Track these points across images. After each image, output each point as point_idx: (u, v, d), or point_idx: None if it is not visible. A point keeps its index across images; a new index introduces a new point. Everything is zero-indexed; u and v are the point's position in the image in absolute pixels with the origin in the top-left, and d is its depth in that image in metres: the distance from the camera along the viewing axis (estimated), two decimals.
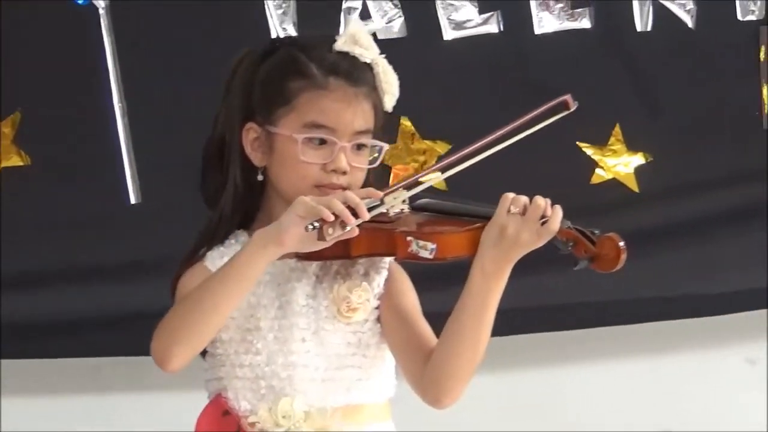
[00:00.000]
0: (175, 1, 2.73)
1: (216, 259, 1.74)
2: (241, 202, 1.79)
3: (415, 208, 1.76)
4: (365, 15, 2.77)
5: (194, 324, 1.70)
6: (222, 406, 1.83)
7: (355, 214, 1.62)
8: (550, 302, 2.73)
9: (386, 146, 1.82)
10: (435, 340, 1.78)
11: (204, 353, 1.79)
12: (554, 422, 2.83)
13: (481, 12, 2.77)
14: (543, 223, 1.64)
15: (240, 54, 1.83)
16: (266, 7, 2.73)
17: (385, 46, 2.67)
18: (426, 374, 1.77)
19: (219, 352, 1.79)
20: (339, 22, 2.74)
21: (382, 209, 1.71)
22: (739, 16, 2.75)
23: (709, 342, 2.71)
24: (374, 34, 2.68)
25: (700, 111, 2.74)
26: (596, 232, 1.65)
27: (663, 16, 2.76)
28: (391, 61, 2.65)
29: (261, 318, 1.79)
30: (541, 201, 1.63)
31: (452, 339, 1.74)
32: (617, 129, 2.67)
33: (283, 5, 2.76)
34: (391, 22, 2.76)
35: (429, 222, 1.77)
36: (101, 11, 2.72)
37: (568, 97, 1.72)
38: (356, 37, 1.80)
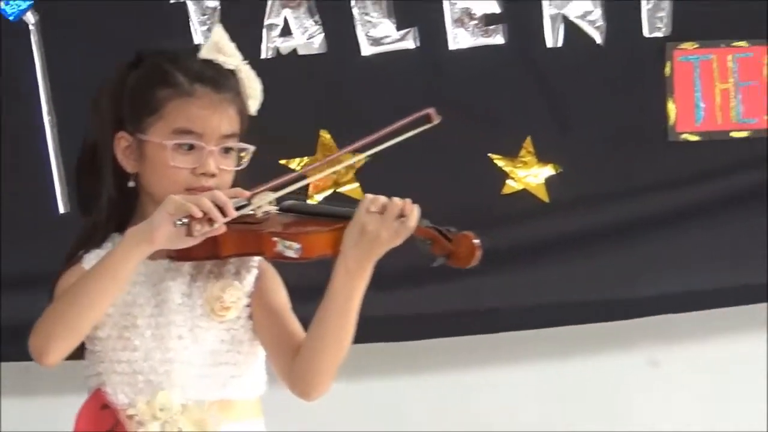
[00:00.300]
0: (104, 16, 2.79)
1: (93, 260, 1.80)
2: (116, 207, 1.85)
3: (282, 209, 1.84)
4: (287, 31, 2.82)
5: (71, 320, 1.75)
6: (101, 400, 1.88)
7: (223, 212, 1.70)
8: (460, 307, 2.78)
9: (252, 148, 1.88)
10: (303, 335, 1.86)
11: (83, 351, 1.85)
12: (463, 424, 2.88)
13: (398, 28, 2.83)
14: (401, 222, 1.71)
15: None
16: (191, 23, 2.79)
17: (306, 61, 2.81)
18: (294, 369, 1.85)
19: (98, 349, 1.83)
20: (261, 37, 2.79)
21: (250, 209, 1.78)
22: (646, 33, 2.81)
23: (614, 345, 2.80)
24: (295, 50, 2.80)
25: (608, 124, 2.81)
26: (452, 230, 1.73)
27: (573, 32, 2.84)
28: (311, 76, 2.79)
29: (138, 316, 1.84)
30: (398, 201, 1.71)
31: (318, 336, 1.82)
32: (528, 141, 2.73)
33: (208, 22, 2.80)
34: (311, 38, 2.81)
35: (295, 223, 1.84)
36: (31, 27, 2.79)
37: (431, 111, 1.81)
38: (220, 45, 1.88)
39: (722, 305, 2.82)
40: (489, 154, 2.74)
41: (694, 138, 2.81)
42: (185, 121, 1.83)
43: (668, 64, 2.81)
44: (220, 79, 1.85)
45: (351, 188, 2.79)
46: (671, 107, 2.82)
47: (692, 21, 2.86)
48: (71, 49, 2.81)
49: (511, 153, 2.75)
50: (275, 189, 1.82)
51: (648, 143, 2.86)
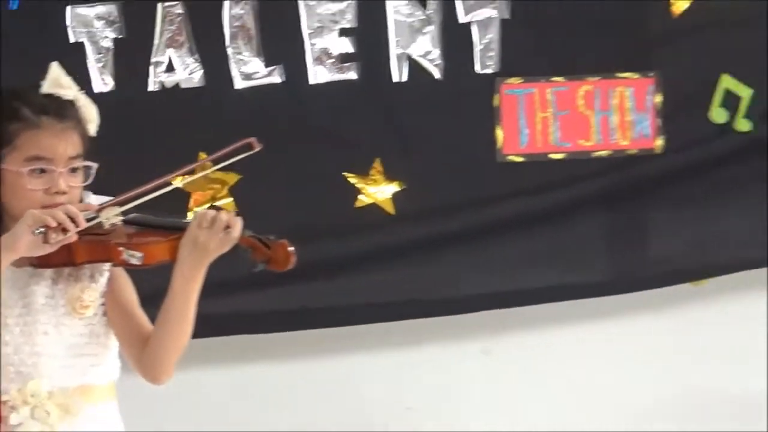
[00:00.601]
0: (6, 55, 2.90)
1: None
2: None
3: (127, 222, 2.02)
4: (171, 68, 3.02)
5: None
6: None
7: (75, 223, 1.86)
8: (321, 305, 3.03)
9: (95, 165, 2.04)
10: (151, 328, 2.06)
11: None
12: (314, 412, 3.13)
13: (266, 65, 3.02)
14: (227, 233, 1.90)
15: None
16: (87, 59, 2.98)
17: (188, 93, 3.04)
18: (143, 358, 2.05)
19: None
20: (148, 73, 3.00)
21: (99, 220, 1.96)
22: (478, 69, 3.05)
23: (452, 335, 3.07)
24: (178, 84, 3.02)
25: (445, 147, 3.04)
26: (271, 238, 1.94)
27: (416, 69, 3.06)
28: (192, 106, 2.99)
29: (8, 316, 2.00)
30: (224, 215, 1.91)
31: (162, 330, 2.02)
32: (377, 162, 2.96)
33: (103, 59, 3.00)
34: (192, 73, 3.00)
35: (138, 234, 2.03)
36: None
37: (253, 140, 2.03)
38: (58, 80, 2.03)
39: (542, 301, 3.08)
40: (344, 173, 2.95)
41: (519, 159, 3.06)
42: (36, 149, 1.97)
43: (496, 96, 3.04)
44: (62, 110, 2.01)
45: (225, 203, 2.99)
46: (499, 133, 3.04)
47: (517, 59, 3.10)
48: None
49: (363, 172, 2.97)
50: (121, 203, 2.00)
51: (479, 163, 3.08)
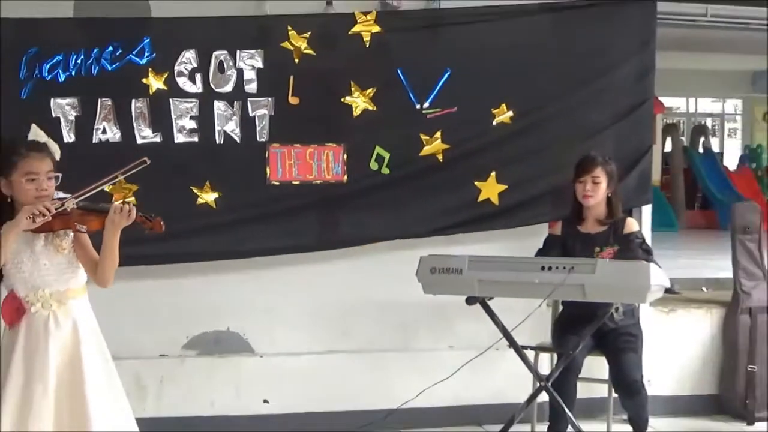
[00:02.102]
0: (12, 121, 4.02)
1: None
2: (1, 212, 2.95)
3: (78, 207, 2.99)
4: (104, 131, 4.56)
5: None
6: (13, 294, 3.09)
7: (49, 210, 2.84)
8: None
9: (59, 175, 3.01)
10: (98, 257, 3.03)
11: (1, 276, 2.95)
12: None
13: (152, 132, 4.71)
14: (129, 214, 2.93)
15: None
16: (61, 126, 4.49)
17: (112, 145, 4.62)
18: (96, 274, 3.10)
19: (10, 272, 3.01)
20: (93, 134, 4.56)
21: (64, 207, 2.90)
22: (258, 139, 4.79)
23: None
24: (108, 140, 4.49)
25: (247, 176, 4.68)
26: (153, 215, 3.01)
27: (228, 138, 4.76)
28: (114, 152, 4.60)
29: (24, 259, 3.01)
30: (127, 207, 2.92)
31: (102, 262, 3.06)
32: (207, 183, 4.64)
33: (68, 126, 4.55)
34: (114, 134, 4.56)
35: (84, 214, 2.98)
36: None
37: (145, 158, 3.10)
38: (36, 133, 3.06)
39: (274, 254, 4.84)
40: (190, 188, 4.81)
41: (277, 183, 4.78)
42: (29, 168, 2.94)
43: (267, 152, 4.74)
44: (40, 147, 2.97)
45: (130, 199, 4.37)
46: (268, 169, 4.74)
47: (276, 135, 4.78)
48: None
49: (198, 185, 4.73)
50: (76, 197, 2.97)
51: (257, 185, 4.76)
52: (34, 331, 2.96)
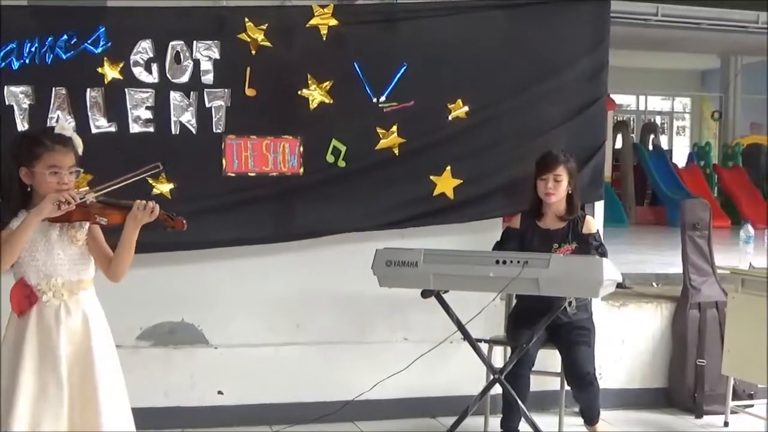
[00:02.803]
0: None
1: (16, 223, 2.85)
2: (20, 199, 2.94)
3: (98, 200, 2.96)
4: (57, 120, 4.50)
5: (13, 248, 2.86)
6: (23, 282, 3.04)
7: (73, 199, 2.81)
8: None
9: (81, 170, 2.99)
10: (111, 254, 3.01)
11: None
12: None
13: (108, 122, 4.66)
14: (152, 211, 2.90)
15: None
16: (15, 115, 4.49)
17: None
18: (109, 269, 3.08)
19: (24, 260, 2.98)
20: (46, 123, 4.50)
21: (85, 199, 2.87)
22: (215, 130, 4.79)
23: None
24: None
25: (201, 167, 4.70)
26: (174, 214, 3.02)
27: (184, 128, 4.78)
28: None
29: (39, 245, 2.96)
30: (150, 203, 2.93)
31: (117, 257, 3.04)
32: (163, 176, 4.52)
33: (22, 115, 4.52)
34: (69, 123, 4.41)
35: (104, 207, 2.96)
36: None
37: (159, 163, 3.10)
38: (63, 126, 3.04)
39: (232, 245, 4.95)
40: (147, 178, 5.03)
41: (232, 174, 4.77)
42: (53, 161, 2.91)
43: (224, 143, 4.75)
44: (65, 141, 2.94)
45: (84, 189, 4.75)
46: (224, 161, 4.77)
47: (233, 126, 4.75)
48: None
49: (156, 178, 4.76)
50: (97, 191, 2.98)
51: (212, 176, 4.77)
52: (45, 320, 2.97)
